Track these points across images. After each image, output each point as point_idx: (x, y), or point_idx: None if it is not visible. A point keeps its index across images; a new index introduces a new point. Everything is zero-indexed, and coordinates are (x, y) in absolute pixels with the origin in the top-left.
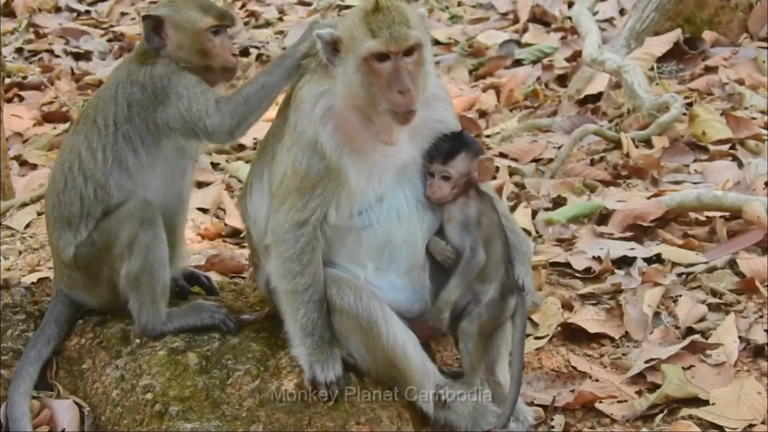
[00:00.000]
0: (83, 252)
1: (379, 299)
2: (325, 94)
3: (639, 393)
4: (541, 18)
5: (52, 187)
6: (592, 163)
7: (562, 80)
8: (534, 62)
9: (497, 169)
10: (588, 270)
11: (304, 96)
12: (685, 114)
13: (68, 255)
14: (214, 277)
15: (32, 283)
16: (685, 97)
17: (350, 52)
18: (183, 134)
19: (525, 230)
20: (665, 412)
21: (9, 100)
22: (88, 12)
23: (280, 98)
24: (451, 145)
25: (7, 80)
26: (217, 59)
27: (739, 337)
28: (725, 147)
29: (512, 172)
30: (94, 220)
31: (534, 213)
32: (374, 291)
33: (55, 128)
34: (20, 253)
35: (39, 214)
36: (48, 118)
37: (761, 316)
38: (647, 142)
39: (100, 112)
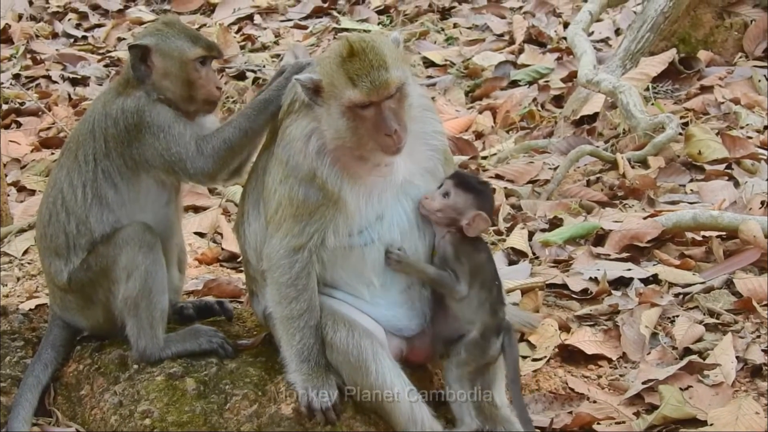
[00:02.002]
0: (78, 276)
1: (371, 338)
2: (314, 132)
3: (637, 414)
4: (536, 39)
5: (39, 219)
6: (589, 183)
7: (558, 101)
8: (530, 83)
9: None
10: (585, 291)
11: (294, 134)
12: (680, 134)
13: (62, 280)
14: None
15: (30, 309)
16: (681, 117)
17: (332, 97)
18: (163, 172)
19: (520, 251)
20: None
21: (7, 126)
22: (85, 38)
23: None
24: (472, 181)
25: (5, 106)
26: (201, 90)
27: (737, 357)
28: (721, 167)
29: (508, 194)
30: (83, 250)
31: (530, 234)
32: (369, 330)
33: (52, 154)
34: (18, 279)
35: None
36: (46, 143)
37: (759, 336)
38: (643, 163)
39: (81, 146)
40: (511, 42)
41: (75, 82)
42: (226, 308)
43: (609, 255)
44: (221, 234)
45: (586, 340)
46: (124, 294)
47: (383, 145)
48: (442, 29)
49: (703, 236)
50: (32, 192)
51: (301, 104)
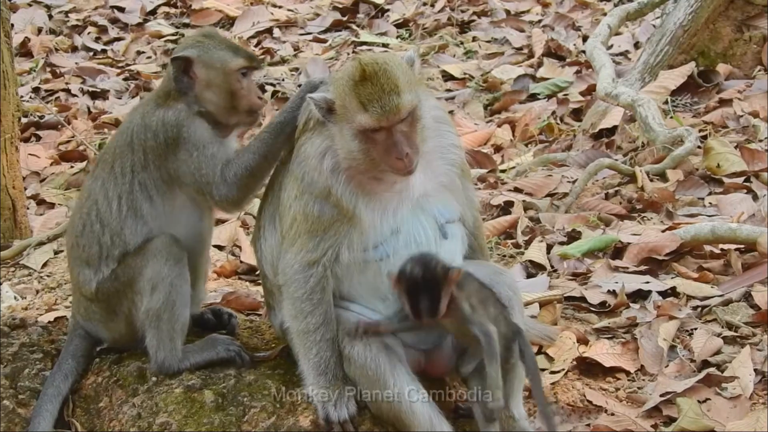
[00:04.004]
0: (106, 286)
1: (388, 351)
2: (328, 150)
3: (655, 426)
4: (555, 52)
5: (71, 228)
6: (607, 197)
7: (577, 114)
8: (549, 96)
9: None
10: (603, 304)
11: (308, 152)
12: (699, 147)
13: (89, 289)
14: None
15: (49, 322)
16: (700, 130)
17: (344, 119)
18: (195, 191)
19: (538, 264)
20: None
21: (26, 140)
22: (104, 51)
23: None
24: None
25: (24, 120)
26: (243, 101)
27: (755, 370)
28: (740, 180)
29: (527, 207)
30: (114, 260)
31: (549, 247)
32: (386, 343)
33: (72, 167)
34: (37, 292)
35: (56, 253)
36: (65, 157)
37: None
38: (662, 176)
39: (118, 158)
40: (530, 55)
41: (94, 95)
42: (232, 325)
43: (627, 268)
44: (240, 247)
45: (604, 352)
46: (147, 305)
47: (394, 168)
48: (461, 42)
49: (722, 249)
50: (51, 205)
51: (316, 122)
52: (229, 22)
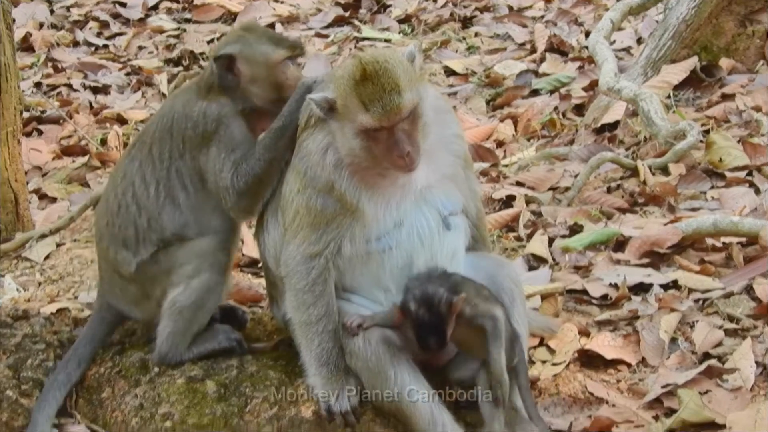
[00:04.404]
0: (146, 268)
1: (389, 343)
2: (330, 146)
3: (656, 418)
4: (558, 48)
5: (105, 206)
6: (609, 190)
7: (579, 109)
8: (551, 92)
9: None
10: (605, 297)
11: (310, 148)
12: (701, 141)
13: (129, 270)
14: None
15: (51, 313)
16: (702, 125)
17: (346, 118)
18: (213, 191)
19: (540, 257)
20: None
21: (28, 134)
22: (106, 46)
23: None
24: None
25: (26, 114)
26: (290, 91)
27: (756, 362)
28: (742, 174)
29: (529, 201)
30: (153, 244)
31: (551, 240)
32: (387, 335)
33: (74, 161)
34: (39, 284)
35: (58, 245)
36: (67, 151)
37: None
38: (664, 170)
39: (156, 143)
40: (533, 51)
41: (96, 90)
42: (242, 317)
43: (629, 261)
44: (242, 240)
45: (606, 344)
46: (175, 297)
47: (396, 166)
48: (464, 38)
49: (723, 242)
50: (53, 199)
51: (317, 119)
52: (231, 17)
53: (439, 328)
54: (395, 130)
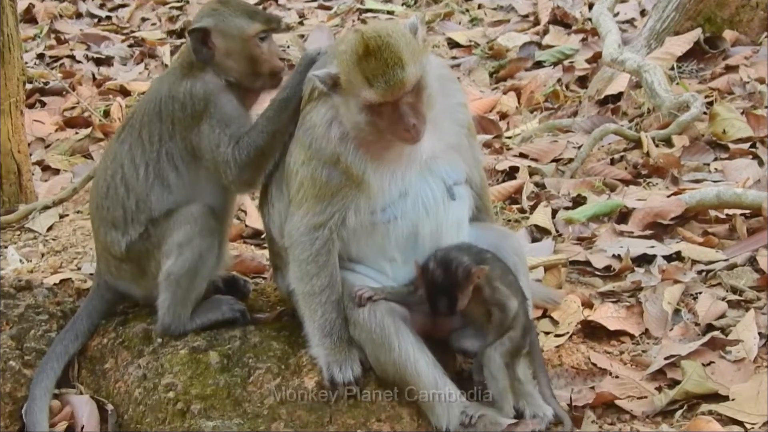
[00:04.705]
0: (137, 246)
1: (393, 314)
2: (334, 119)
3: (659, 389)
4: (561, 20)
5: (95, 189)
6: (612, 162)
7: (583, 82)
8: (554, 64)
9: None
10: (608, 268)
11: (314, 121)
12: (705, 113)
13: (119, 250)
14: None
15: (54, 284)
16: (706, 96)
17: (350, 93)
18: (212, 168)
19: (543, 228)
20: (685, 408)
21: (31, 106)
22: (108, 18)
23: None
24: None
25: (29, 86)
26: (265, 65)
27: (759, 334)
28: (745, 145)
29: (532, 172)
30: (141, 224)
31: (554, 212)
32: (391, 306)
33: (77, 133)
34: (42, 255)
35: (61, 217)
36: (70, 123)
37: None
38: (667, 141)
39: (146, 126)
40: (536, 23)
41: (99, 62)
42: (244, 288)
43: (632, 232)
44: (245, 211)
45: (609, 316)
46: (169, 268)
47: (402, 139)
48: (467, 10)
49: (727, 214)
50: (56, 171)
51: (321, 92)
52: None
53: (451, 293)
54: (400, 103)
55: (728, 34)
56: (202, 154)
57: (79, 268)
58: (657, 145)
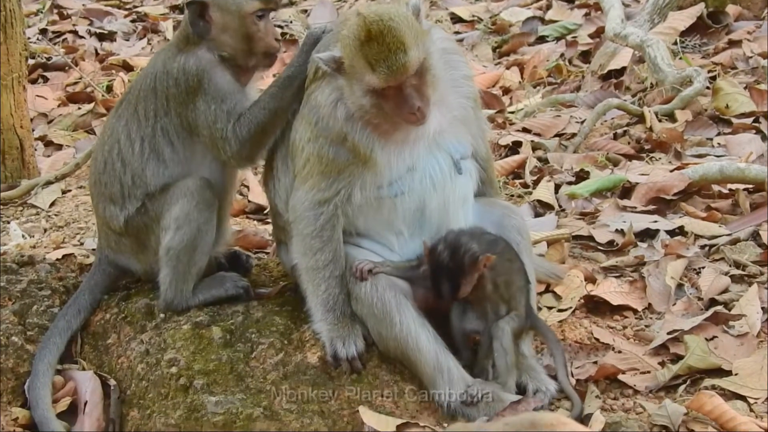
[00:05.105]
0: (135, 220)
1: (395, 289)
2: (339, 100)
3: (662, 364)
4: None
5: (94, 165)
6: (615, 137)
7: (586, 56)
8: (557, 39)
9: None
10: (611, 243)
11: (320, 101)
12: (708, 88)
13: (118, 224)
14: None
15: (57, 259)
16: (709, 71)
17: (353, 77)
18: (209, 144)
19: (546, 203)
20: (688, 382)
21: (33, 81)
22: None
23: None
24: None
25: (32, 61)
26: (260, 44)
27: (762, 308)
28: (748, 120)
29: (535, 147)
30: (138, 199)
31: (557, 187)
32: (393, 281)
33: (79, 108)
34: (45, 230)
35: (64, 192)
36: (72, 98)
37: None
38: (670, 116)
39: (141, 101)
40: None
41: (101, 37)
42: (249, 263)
43: (635, 207)
44: (247, 186)
45: (612, 291)
46: (168, 243)
47: (407, 120)
48: None
49: (730, 189)
50: (59, 146)
51: (325, 72)
52: None
53: (455, 278)
54: (404, 87)
55: (731, 9)
56: (199, 130)
57: (81, 244)
58: (660, 120)
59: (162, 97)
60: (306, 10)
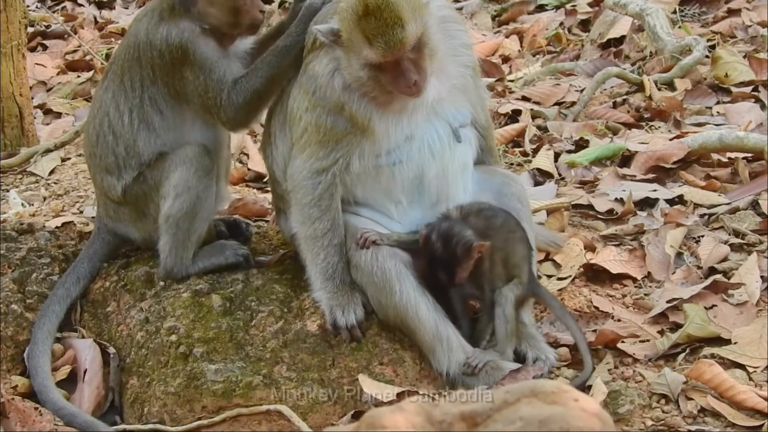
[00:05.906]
0: (133, 189)
1: (395, 258)
2: (337, 70)
3: (661, 332)
4: None
5: (87, 138)
6: (615, 105)
7: (585, 25)
8: (557, 7)
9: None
10: (610, 211)
11: (317, 70)
12: (707, 56)
13: (116, 194)
14: None
15: (56, 227)
16: (708, 40)
17: (351, 50)
18: (201, 110)
19: (546, 172)
20: (687, 351)
21: (32, 49)
22: None
23: None
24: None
25: (31, 29)
26: (246, 17)
27: (761, 277)
28: (748, 89)
29: (535, 115)
30: (133, 169)
31: (557, 155)
32: (393, 250)
33: (78, 77)
34: (44, 199)
35: (63, 160)
36: (71, 66)
37: None
38: (670, 85)
39: (127, 72)
40: None
41: (101, 5)
42: (249, 230)
43: (635, 176)
44: (247, 154)
45: (611, 259)
46: (167, 210)
47: (404, 93)
48: None
49: (729, 157)
50: (58, 114)
51: (323, 43)
52: None
53: (450, 267)
54: (401, 61)
55: None
56: (188, 98)
57: (81, 212)
58: (659, 89)
59: (147, 67)
60: None
